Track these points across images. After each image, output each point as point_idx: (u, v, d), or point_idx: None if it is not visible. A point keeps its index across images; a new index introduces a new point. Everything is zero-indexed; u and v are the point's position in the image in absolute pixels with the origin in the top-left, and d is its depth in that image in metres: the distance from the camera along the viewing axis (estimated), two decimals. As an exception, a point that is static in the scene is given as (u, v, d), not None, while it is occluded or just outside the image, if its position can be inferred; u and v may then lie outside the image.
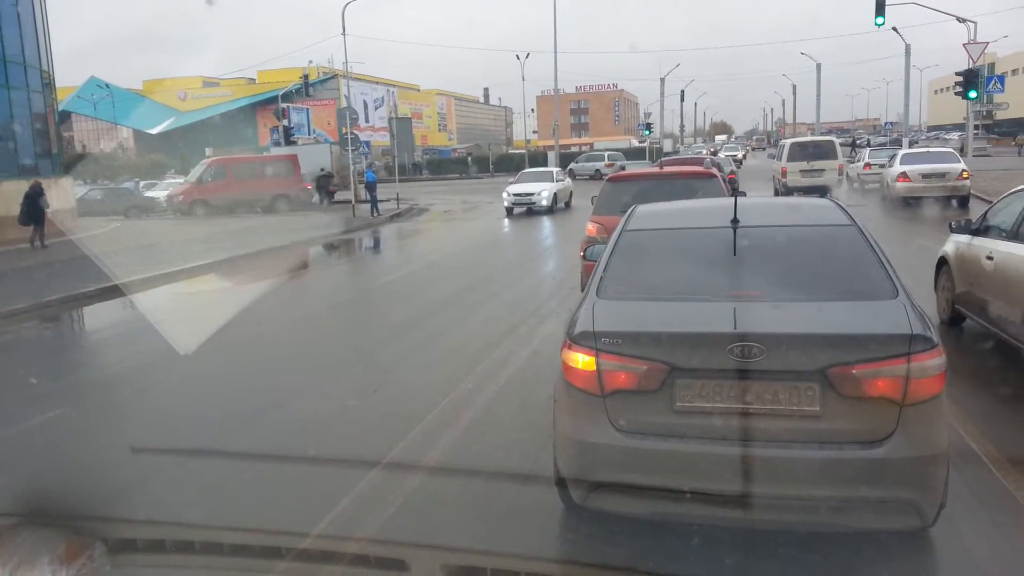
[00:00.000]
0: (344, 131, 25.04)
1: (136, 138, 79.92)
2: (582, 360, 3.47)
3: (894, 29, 32.81)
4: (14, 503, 4.23)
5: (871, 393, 3.20)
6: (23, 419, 6.24)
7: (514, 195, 24.53)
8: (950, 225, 8.08)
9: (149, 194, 29.67)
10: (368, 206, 25.87)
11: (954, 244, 7.77)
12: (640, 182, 9.35)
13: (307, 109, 56.26)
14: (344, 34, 32.78)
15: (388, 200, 28.11)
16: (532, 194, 24.26)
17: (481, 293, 11.47)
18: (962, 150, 28.96)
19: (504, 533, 3.90)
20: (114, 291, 11.84)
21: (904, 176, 19.14)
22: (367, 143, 32.70)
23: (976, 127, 68.38)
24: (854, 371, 3.18)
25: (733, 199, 4.12)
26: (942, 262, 8.02)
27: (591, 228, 8.52)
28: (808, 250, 4.03)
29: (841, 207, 4.39)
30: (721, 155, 35.27)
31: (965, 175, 18.68)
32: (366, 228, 23.31)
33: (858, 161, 27.74)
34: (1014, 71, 76.78)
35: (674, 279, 3.94)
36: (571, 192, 26.90)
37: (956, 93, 22.57)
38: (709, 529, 3.57)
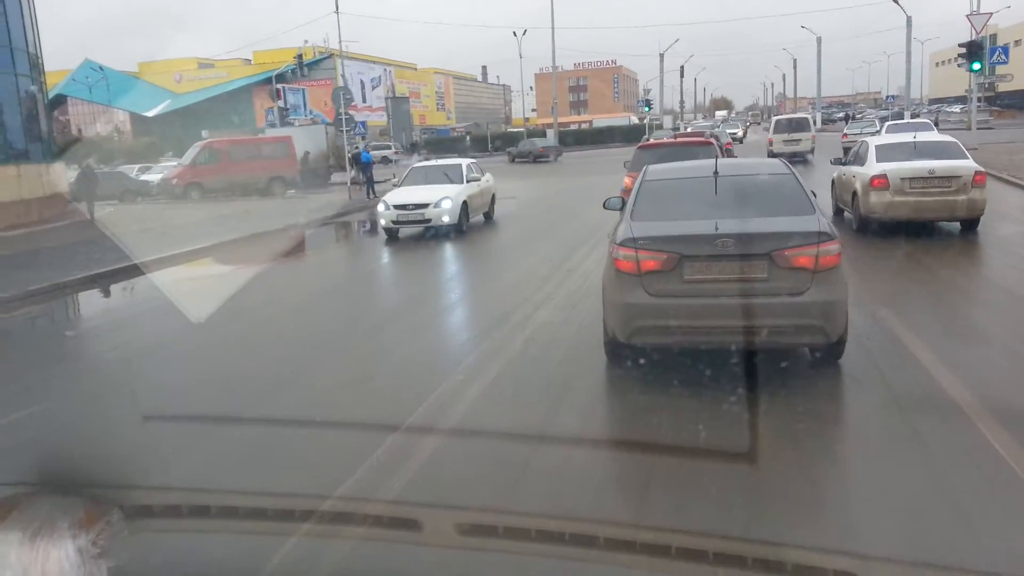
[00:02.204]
0: (340, 111, 24.49)
1: (132, 121, 79.22)
2: (626, 255, 5.54)
3: (895, 1, 32.33)
4: (34, 470, 4.24)
5: (797, 265, 5.30)
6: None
7: (395, 207, 14.96)
8: (831, 160, 15.06)
9: (144, 178, 29.36)
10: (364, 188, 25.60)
11: (836, 172, 14.13)
12: (660, 148, 13.25)
13: (303, 89, 55.67)
14: (337, 12, 32.33)
15: (385, 180, 27.79)
16: (425, 205, 14.73)
17: (476, 278, 11.33)
18: (937, 122, 32.63)
19: (518, 492, 4.14)
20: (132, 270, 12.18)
21: None
22: (363, 123, 32.24)
23: (978, 99, 67.46)
24: (787, 253, 5.29)
25: (715, 160, 6.61)
26: (832, 183, 14.38)
27: (627, 181, 11.08)
28: (762, 189, 6.23)
29: (786, 164, 6.63)
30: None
31: None
32: (362, 210, 23.03)
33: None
34: (1017, 42, 75.82)
35: (679, 208, 6.03)
36: (493, 195, 17.58)
37: (959, 65, 22.21)
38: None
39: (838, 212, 13.80)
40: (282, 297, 10.55)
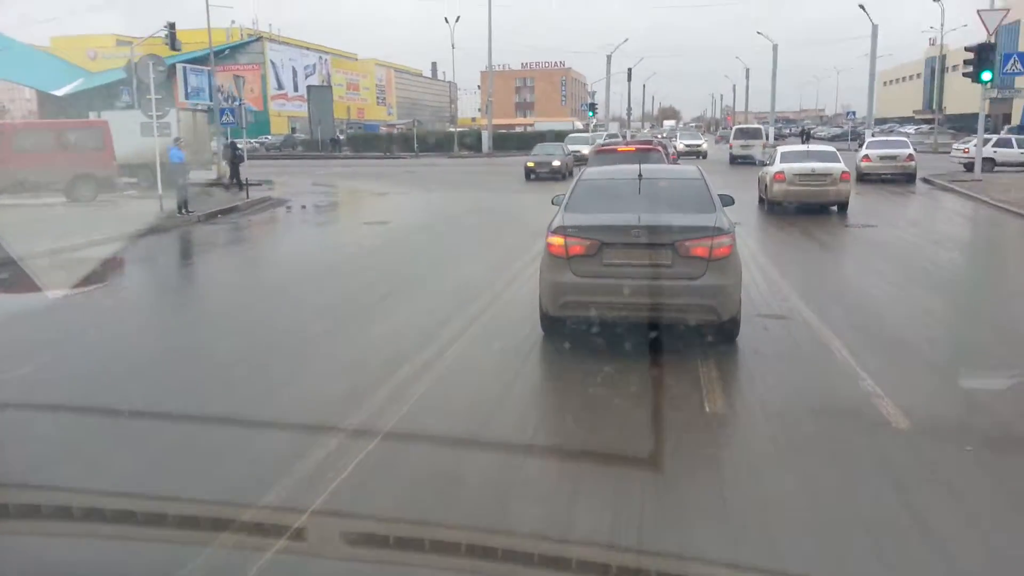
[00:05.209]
0: (130, 89, 18.78)
1: (40, 100, 73.46)
2: (556, 241, 6.83)
3: (861, 7, 29.48)
4: None
5: (694, 254, 6.62)
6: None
7: None
8: (758, 162, 26.33)
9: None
10: (232, 190, 20.63)
11: (761, 171, 19.12)
12: (615, 153, 16.06)
13: (208, 71, 49.89)
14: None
15: (257, 184, 23.19)
16: None
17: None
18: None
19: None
20: None
21: (867, 157, 24.98)
22: (231, 110, 27.44)
23: (925, 122, 65.66)
24: (687, 243, 6.62)
25: (639, 165, 8.06)
26: (759, 179, 19.08)
27: None
28: (675, 189, 7.91)
29: (700, 170, 8.35)
30: (680, 144, 42.21)
31: (910, 158, 24.45)
32: (149, 234, 15.93)
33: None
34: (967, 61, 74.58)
35: (605, 203, 7.42)
36: None
37: (965, 74, 19.24)
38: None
39: (760, 200, 18.31)
40: None
